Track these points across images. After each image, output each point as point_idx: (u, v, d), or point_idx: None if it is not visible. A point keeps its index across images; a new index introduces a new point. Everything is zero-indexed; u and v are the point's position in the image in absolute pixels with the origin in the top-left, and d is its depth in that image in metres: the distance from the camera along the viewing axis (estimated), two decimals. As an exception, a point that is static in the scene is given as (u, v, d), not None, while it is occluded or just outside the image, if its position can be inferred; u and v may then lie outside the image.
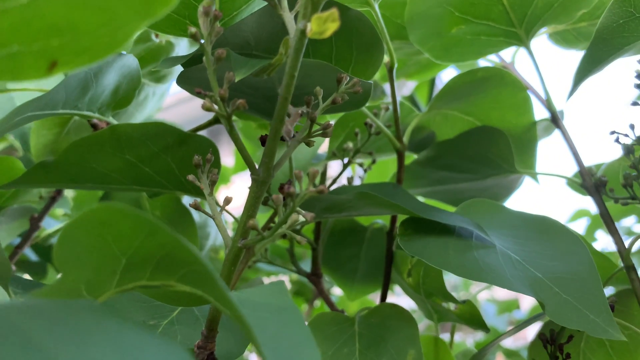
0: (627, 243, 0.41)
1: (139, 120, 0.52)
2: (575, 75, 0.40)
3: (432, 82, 0.78)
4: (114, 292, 0.24)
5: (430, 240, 0.36)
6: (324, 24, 0.22)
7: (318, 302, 1.03)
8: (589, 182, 0.44)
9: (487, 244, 0.36)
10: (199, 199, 0.33)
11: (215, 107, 0.25)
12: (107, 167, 0.39)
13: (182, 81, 0.35)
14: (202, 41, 0.25)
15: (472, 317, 0.42)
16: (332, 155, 0.48)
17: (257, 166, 0.27)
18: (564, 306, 0.32)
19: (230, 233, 0.64)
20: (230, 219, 0.83)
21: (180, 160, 0.39)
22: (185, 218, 0.46)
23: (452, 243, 0.36)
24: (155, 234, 0.20)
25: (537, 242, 0.38)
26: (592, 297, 0.33)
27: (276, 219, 0.26)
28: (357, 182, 0.53)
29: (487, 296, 1.48)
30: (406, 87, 0.93)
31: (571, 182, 0.47)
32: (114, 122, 0.39)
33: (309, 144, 0.29)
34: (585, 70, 0.39)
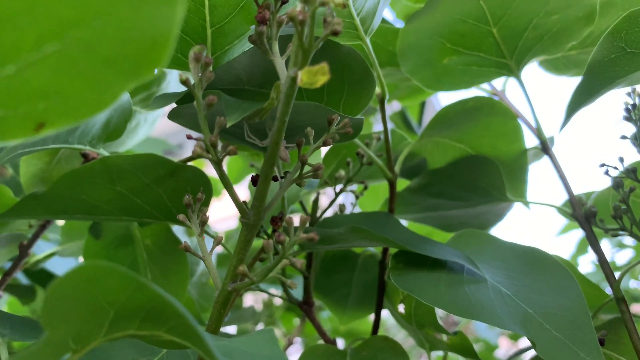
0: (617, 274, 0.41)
1: (131, 147, 0.52)
2: (567, 107, 0.40)
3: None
4: (101, 341, 0.24)
5: (421, 275, 0.36)
6: (314, 77, 0.22)
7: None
8: (579, 212, 0.44)
9: (478, 278, 0.36)
10: (188, 240, 0.33)
11: (205, 153, 0.25)
12: (98, 198, 0.38)
13: (173, 117, 0.35)
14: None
15: (463, 348, 0.42)
16: (324, 183, 0.48)
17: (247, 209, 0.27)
18: (554, 344, 0.32)
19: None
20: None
21: (171, 192, 0.39)
22: (175, 246, 0.46)
23: (443, 277, 0.36)
24: (142, 288, 0.20)
25: (528, 275, 0.38)
26: (583, 335, 0.33)
27: (268, 258, 0.26)
28: (349, 208, 0.53)
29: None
30: (397, 103, 0.93)
31: (561, 211, 0.47)
32: (105, 153, 0.39)
33: (300, 185, 0.29)
34: (577, 102, 0.39)
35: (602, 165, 0.40)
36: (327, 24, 0.24)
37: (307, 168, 0.29)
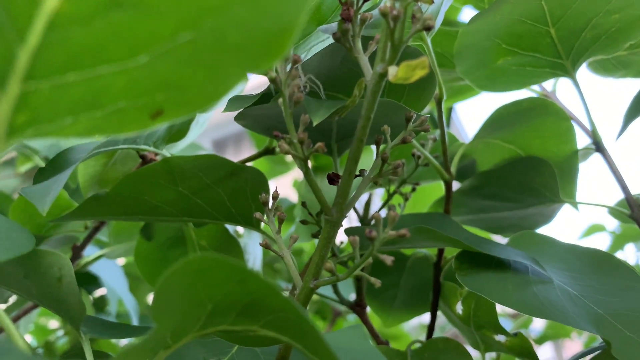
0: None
1: (182, 147, 0.53)
2: (626, 114, 0.40)
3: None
4: (193, 337, 0.24)
5: (488, 275, 0.36)
6: (412, 71, 0.22)
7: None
8: (637, 213, 0.43)
9: (544, 279, 0.36)
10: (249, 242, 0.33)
11: (292, 150, 0.25)
12: (160, 199, 0.39)
13: (240, 119, 0.35)
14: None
15: (522, 349, 0.41)
16: (376, 184, 0.48)
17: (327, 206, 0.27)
18: (629, 344, 0.32)
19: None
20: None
21: (231, 192, 0.39)
22: (232, 246, 0.46)
23: (509, 278, 0.36)
24: (247, 281, 0.20)
25: (592, 277, 0.38)
26: (656, 335, 0.32)
27: (349, 262, 0.26)
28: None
29: (499, 311, 1.47)
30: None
31: (615, 212, 0.47)
32: (167, 154, 0.40)
33: (377, 183, 0.29)
34: (636, 110, 0.39)
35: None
36: (416, 19, 0.24)
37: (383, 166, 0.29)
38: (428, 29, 0.23)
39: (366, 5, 0.30)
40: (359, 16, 0.27)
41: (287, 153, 0.25)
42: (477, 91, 0.63)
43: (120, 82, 0.17)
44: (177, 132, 0.39)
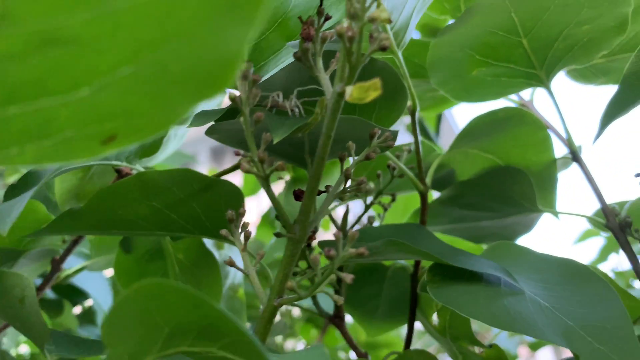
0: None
1: (160, 161, 0.53)
2: (602, 118, 0.40)
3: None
4: (153, 358, 0.24)
5: (459, 288, 0.36)
6: (366, 92, 0.22)
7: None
8: (613, 222, 0.44)
9: (516, 291, 0.36)
10: (217, 254, 0.33)
11: (252, 168, 0.25)
12: (134, 213, 0.39)
13: (211, 133, 0.35)
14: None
15: (499, 360, 0.41)
16: (354, 195, 0.48)
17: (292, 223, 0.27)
18: (598, 357, 0.32)
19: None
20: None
21: (205, 206, 0.39)
22: (208, 260, 0.46)
23: (481, 290, 0.36)
24: (200, 306, 0.20)
25: (565, 287, 0.38)
26: (627, 347, 0.33)
27: (314, 278, 0.26)
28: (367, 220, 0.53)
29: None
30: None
31: (593, 221, 0.47)
32: (141, 169, 0.40)
33: (342, 199, 0.29)
34: (611, 113, 0.39)
35: (638, 175, 0.40)
36: (374, 39, 0.24)
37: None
38: (383, 49, 0.23)
39: (330, 22, 0.30)
40: (319, 35, 0.27)
41: (247, 172, 0.25)
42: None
43: (65, 114, 0.17)
44: (151, 147, 0.39)
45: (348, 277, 0.24)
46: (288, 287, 0.25)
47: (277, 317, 0.97)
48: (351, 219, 0.48)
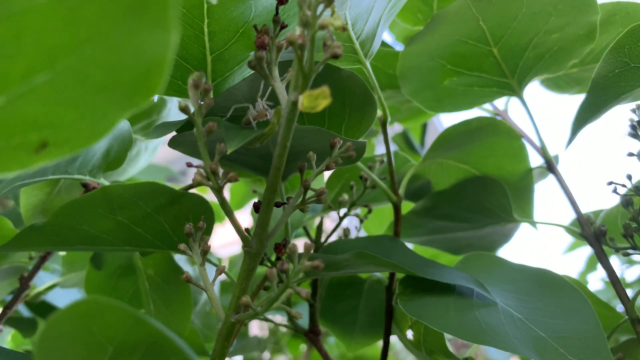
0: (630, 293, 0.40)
1: (132, 175, 0.52)
2: (573, 124, 0.40)
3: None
4: (101, 378, 0.23)
5: (430, 300, 0.35)
6: (315, 101, 0.21)
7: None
8: (588, 231, 0.43)
9: (488, 302, 0.36)
10: (190, 269, 0.32)
11: (205, 181, 0.25)
12: (99, 228, 0.38)
13: (173, 144, 0.35)
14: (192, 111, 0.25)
15: (475, 374, 0.41)
16: (328, 207, 0.48)
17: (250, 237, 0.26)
18: (570, 369, 0.31)
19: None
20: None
21: (173, 220, 0.38)
22: (178, 275, 0.45)
23: (452, 302, 0.35)
24: (142, 324, 0.20)
25: (539, 298, 0.37)
26: (598, 358, 0.32)
27: (270, 291, 0.25)
28: (354, 231, 0.52)
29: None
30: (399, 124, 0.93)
31: (570, 230, 0.47)
32: (106, 183, 0.39)
33: (303, 210, 0.28)
34: (582, 118, 0.39)
35: (610, 183, 0.39)
36: (327, 47, 0.24)
37: (310, 193, 0.29)
38: (336, 57, 0.23)
39: (285, 33, 0.30)
40: (275, 44, 0.26)
41: (199, 184, 0.24)
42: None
43: (-15, 123, 0.16)
44: (114, 161, 0.38)
45: (303, 292, 0.23)
46: (242, 303, 0.24)
47: (265, 332, 0.95)
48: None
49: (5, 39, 0.13)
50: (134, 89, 0.16)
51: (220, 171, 0.26)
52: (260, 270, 0.60)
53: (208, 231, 0.37)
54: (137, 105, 0.16)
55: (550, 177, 0.59)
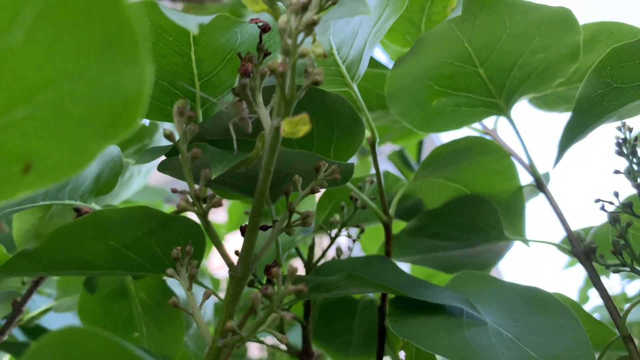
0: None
1: (126, 198, 0.52)
2: (559, 144, 0.40)
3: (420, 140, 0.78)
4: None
5: (420, 321, 0.35)
6: (296, 127, 0.22)
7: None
8: (578, 248, 0.43)
9: (478, 322, 0.36)
10: (183, 294, 0.32)
11: (189, 206, 0.25)
12: (90, 252, 0.38)
13: (163, 169, 0.35)
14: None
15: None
16: (320, 228, 0.48)
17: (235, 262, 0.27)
18: (559, 388, 0.31)
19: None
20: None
21: (164, 244, 0.38)
22: (170, 298, 0.45)
23: (442, 322, 0.35)
24: (124, 352, 0.20)
25: (530, 317, 0.37)
26: (588, 377, 0.32)
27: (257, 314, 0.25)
28: (347, 251, 0.52)
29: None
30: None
31: (561, 248, 0.47)
32: (97, 207, 0.39)
33: (289, 233, 0.29)
34: (568, 138, 0.39)
35: (598, 200, 0.40)
36: (308, 74, 0.24)
37: (296, 216, 0.29)
38: (316, 83, 0.23)
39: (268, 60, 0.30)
40: (258, 71, 0.27)
41: (184, 210, 0.25)
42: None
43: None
44: (105, 186, 0.39)
45: (288, 316, 0.24)
46: (227, 328, 0.24)
47: (264, 353, 0.95)
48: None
49: (-18, 77, 0.14)
50: (113, 122, 0.16)
51: (209, 192, 0.26)
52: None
53: (198, 255, 0.37)
54: (117, 136, 0.17)
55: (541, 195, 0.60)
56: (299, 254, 0.49)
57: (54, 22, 0.14)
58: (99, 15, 0.14)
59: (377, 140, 0.42)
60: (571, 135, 0.41)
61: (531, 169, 0.47)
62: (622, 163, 0.41)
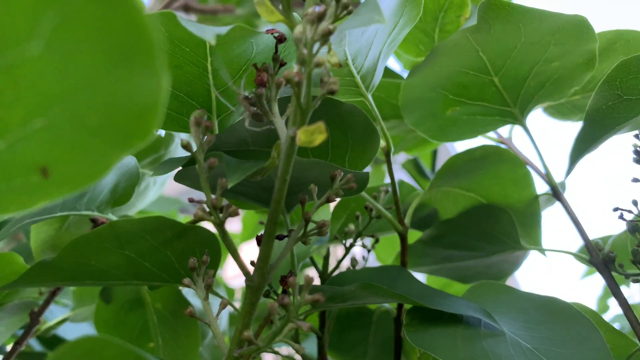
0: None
1: (142, 208, 0.52)
2: (570, 155, 0.40)
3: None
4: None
5: (437, 331, 0.35)
6: (312, 135, 0.22)
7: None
8: (596, 258, 0.43)
9: (496, 332, 0.35)
10: (198, 304, 0.32)
11: (206, 216, 0.25)
12: (107, 263, 0.38)
13: (180, 179, 0.35)
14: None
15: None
16: (334, 238, 0.48)
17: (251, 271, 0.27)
18: (580, 400, 0.31)
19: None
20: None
21: (180, 254, 0.39)
22: (185, 308, 0.45)
23: (460, 332, 0.35)
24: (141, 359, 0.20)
25: (548, 327, 0.37)
26: (609, 389, 0.31)
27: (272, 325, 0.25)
28: (362, 261, 0.52)
29: None
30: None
31: (579, 257, 0.46)
32: (114, 218, 0.40)
33: (305, 243, 0.29)
34: (579, 149, 0.39)
35: (616, 209, 0.39)
36: (324, 83, 0.24)
37: (311, 225, 0.29)
38: (332, 92, 0.23)
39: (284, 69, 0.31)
40: (274, 81, 0.27)
41: (201, 220, 0.25)
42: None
43: (-15, 167, 0.17)
44: (122, 196, 0.39)
45: (305, 326, 0.24)
46: (244, 338, 0.24)
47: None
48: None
49: (3, 88, 0.14)
50: (130, 131, 0.16)
51: (225, 202, 0.26)
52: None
53: (214, 265, 0.37)
54: (133, 146, 0.17)
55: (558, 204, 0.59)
56: (314, 264, 0.49)
57: (71, 33, 0.14)
58: (116, 26, 0.14)
59: (392, 149, 0.42)
60: (582, 147, 0.40)
61: (547, 178, 0.46)
62: (641, 171, 0.40)
